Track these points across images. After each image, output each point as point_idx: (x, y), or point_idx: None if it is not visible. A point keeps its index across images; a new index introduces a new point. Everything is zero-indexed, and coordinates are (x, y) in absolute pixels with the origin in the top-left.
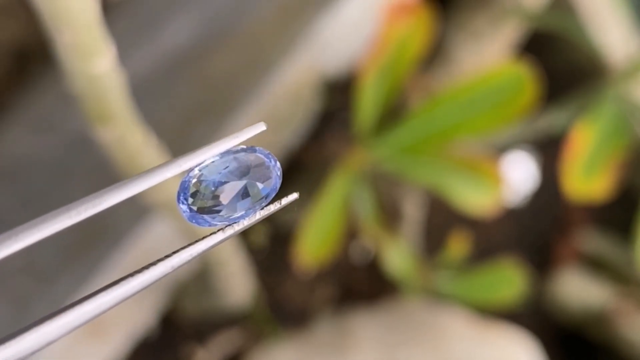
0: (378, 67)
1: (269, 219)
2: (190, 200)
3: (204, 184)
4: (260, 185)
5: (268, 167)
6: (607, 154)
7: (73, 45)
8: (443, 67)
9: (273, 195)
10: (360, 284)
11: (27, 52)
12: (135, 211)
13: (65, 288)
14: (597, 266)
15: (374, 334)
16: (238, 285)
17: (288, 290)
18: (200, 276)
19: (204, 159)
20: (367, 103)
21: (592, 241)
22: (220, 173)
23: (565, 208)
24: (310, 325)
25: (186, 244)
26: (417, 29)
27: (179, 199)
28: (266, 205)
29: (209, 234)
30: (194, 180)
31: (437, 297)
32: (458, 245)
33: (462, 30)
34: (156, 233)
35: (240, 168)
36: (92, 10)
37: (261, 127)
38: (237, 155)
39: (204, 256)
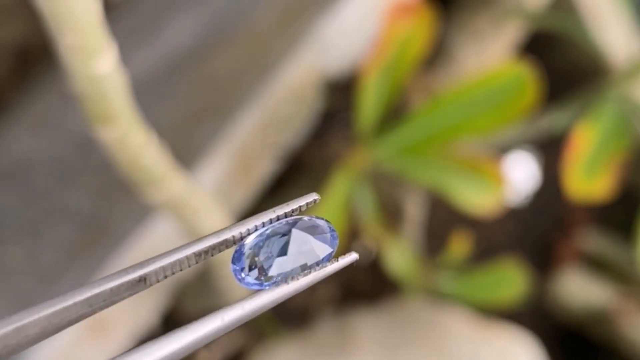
0: (380, 68)
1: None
2: (246, 265)
3: (256, 250)
4: (314, 248)
5: (324, 231)
6: (608, 154)
7: (75, 46)
8: (444, 67)
9: (329, 259)
10: (361, 284)
11: (29, 51)
12: (137, 211)
13: (66, 288)
14: (598, 266)
15: (376, 334)
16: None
17: None
18: (202, 275)
19: (255, 225)
20: (369, 103)
21: (593, 241)
22: (274, 237)
23: (567, 208)
24: (311, 325)
25: (241, 299)
26: (418, 30)
27: (234, 268)
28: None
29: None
30: (248, 248)
31: (439, 297)
32: (459, 245)
33: (464, 31)
34: (158, 233)
35: (294, 233)
36: (94, 11)
37: (313, 197)
38: (291, 221)
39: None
